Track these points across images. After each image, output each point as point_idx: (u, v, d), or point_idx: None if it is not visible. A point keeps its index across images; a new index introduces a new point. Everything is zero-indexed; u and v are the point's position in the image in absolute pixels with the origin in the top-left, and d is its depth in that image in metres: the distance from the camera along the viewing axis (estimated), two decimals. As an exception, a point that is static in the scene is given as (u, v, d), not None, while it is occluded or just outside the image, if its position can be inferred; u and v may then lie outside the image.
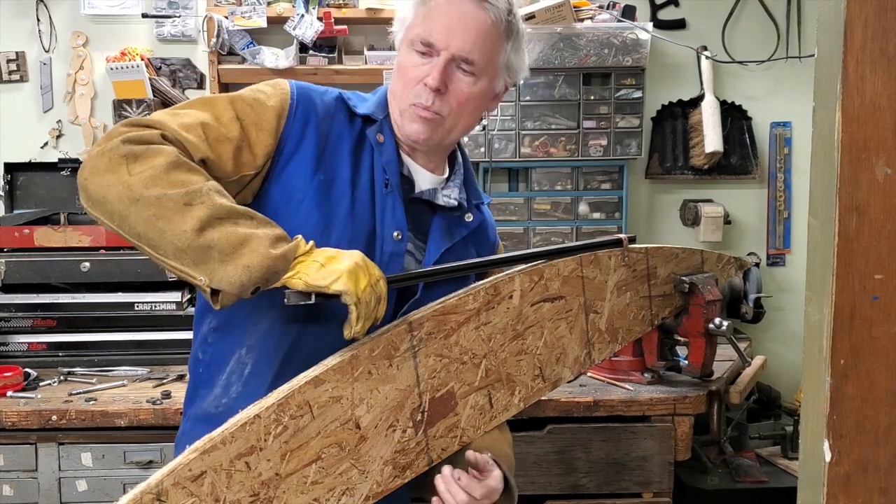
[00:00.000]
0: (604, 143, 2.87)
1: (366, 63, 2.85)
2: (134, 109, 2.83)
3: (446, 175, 1.44)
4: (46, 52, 2.90)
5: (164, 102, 2.85)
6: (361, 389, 1.17)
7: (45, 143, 2.92)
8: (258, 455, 1.07)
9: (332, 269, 1.13)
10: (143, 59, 2.81)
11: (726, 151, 2.98)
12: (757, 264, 2.79)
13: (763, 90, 3.05)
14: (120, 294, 2.47)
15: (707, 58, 2.97)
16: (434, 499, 1.27)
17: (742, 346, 2.20)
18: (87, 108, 2.90)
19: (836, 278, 0.82)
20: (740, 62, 3.01)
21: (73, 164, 2.79)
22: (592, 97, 2.87)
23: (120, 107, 2.83)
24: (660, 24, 2.99)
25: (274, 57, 2.80)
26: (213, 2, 2.85)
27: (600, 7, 2.84)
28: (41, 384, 2.29)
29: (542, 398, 1.60)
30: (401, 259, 1.33)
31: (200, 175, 1.15)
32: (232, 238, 1.10)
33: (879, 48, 0.80)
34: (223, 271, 1.09)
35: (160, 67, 2.91)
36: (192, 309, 1.45)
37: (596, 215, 2.94)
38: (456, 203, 1.41)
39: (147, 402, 2.13)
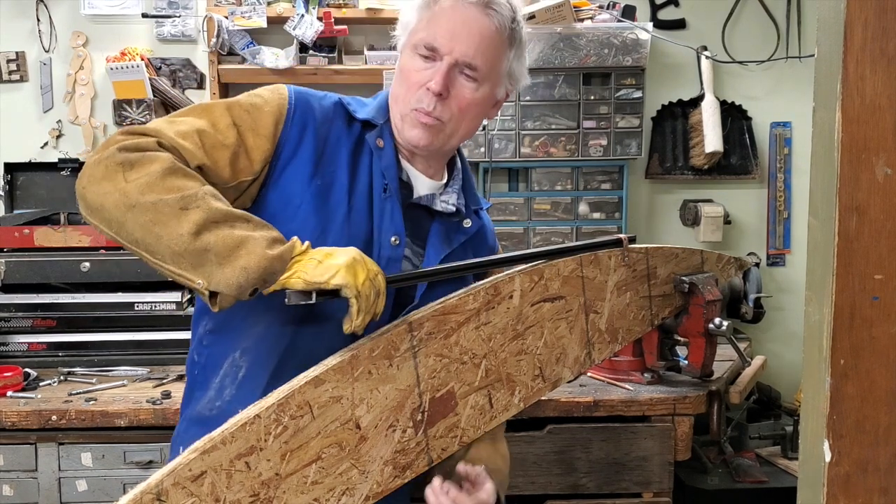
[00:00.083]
0: (604, 143, 2.87)
1: (366, 63, 2.85)
2: (134, 109, 2.83)
3: (445, 180, 1.44)
4: (46, 52, 2.90)
5: (164, 102, 2.86)
6: (361, 389, 1.17)
7: (45, 143, 2.92)
8: (258, 455, 1.07)
9: (329, 264, 1.14)
10: (143, 59, 2.81)
11: (726, 151, 2.98)
12: (757, 264, 2.79)
13: (763, 90, 3.05)
14: (120, 294, 2.47)
15: (707, 58, 2.97)
16: None
17: (742, 346, 2.20)
18: (87, 108, 2.90)
19: (836, 278, 0.82)
20: (740, 62, 3.01)
21: (72, 164, 2.79)
22: (592, 97, 2.87)
23: (120, 107, 2.83)
24: (660, 24, 2.99)
25: (274, 57, 2.80)
26: (213, 2, 2.85)
27: (600, 7, 2.84)
28: (41, 384, 2.29)
29: (542, 398, 1.60)
30: (398, 264, 1.33)
31: (196, 180, 1.16)
32: (228, 240, 1.11)
33: (879, 48, 0.80)
34: (221, 273, 1.10)
35: (160, 67, 2.91)
36: (192, 309, 1.45)
37: (596, 215, 2.94)
38: (454, 209, 1.41)
39: (147, 402, 2.13)
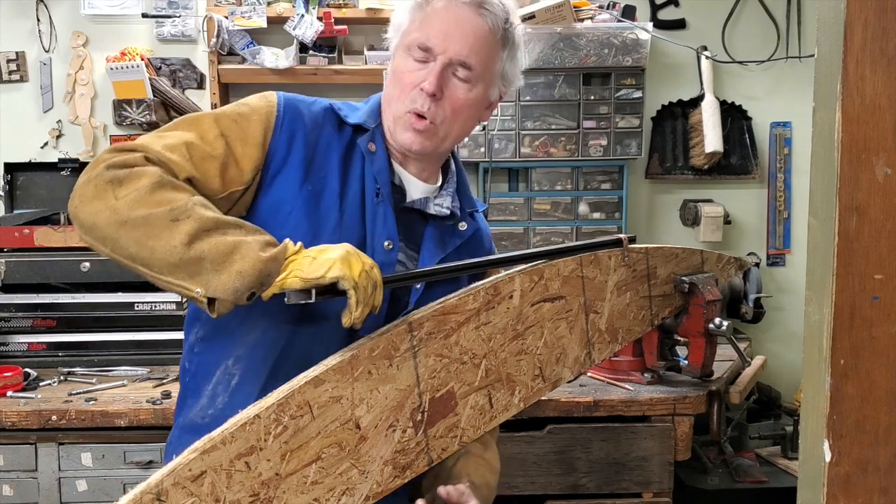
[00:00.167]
0: (604, 143, 2.87)
1: (366, 63, 2.85)
2: (134, 109, 2.83)
3: (439, 184, 1.43)
4: (46, 52, 2.90)
5: (164, 102, 2.86)
6: (361, 389, 1.17)
7: (45, 143, 2.92)
8: (258, 455, 1.07)
9: (324, 259, 1.14)
10: (143, 59, 2.81)
11: (726, 151, 2.98)
12: (757, 264, 2.79)
13: (763, 90, 3.05)
14: (120, 294, 2.47)
15: (707, 58, 2.97)
16: None
17: (742, 346, 2.20)
18: (87, 108, 2.90)
19: (836, 278, 0.82)
20: (740, 62, 3.01)
21: (72, 164, 2.79)
22: (592, 97, 2.87)
23: (120, 107, 2.84)
24: (660, 24, 2.99)
25: (274, 57, 2.80)
26: (213, 2, 2.85)
27: (600, 7, 2.84)
28: (41, 384, 2.29)
29: (542, 398, 1.60)
30: (392, 269, 1.32)
31: (185, 192, 1.17)
32: (222, 247, 1.11)
33: (879, 48, 0.80)
34: (217, 280, 1.10)
35: (160, 67, 2.91)
36: (192, 310, 1.45)
37: (596, 215, 2.94)
38: (448, 212, 1.40)
39: (147, 402, 2.13)
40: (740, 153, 3.05)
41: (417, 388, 1.24)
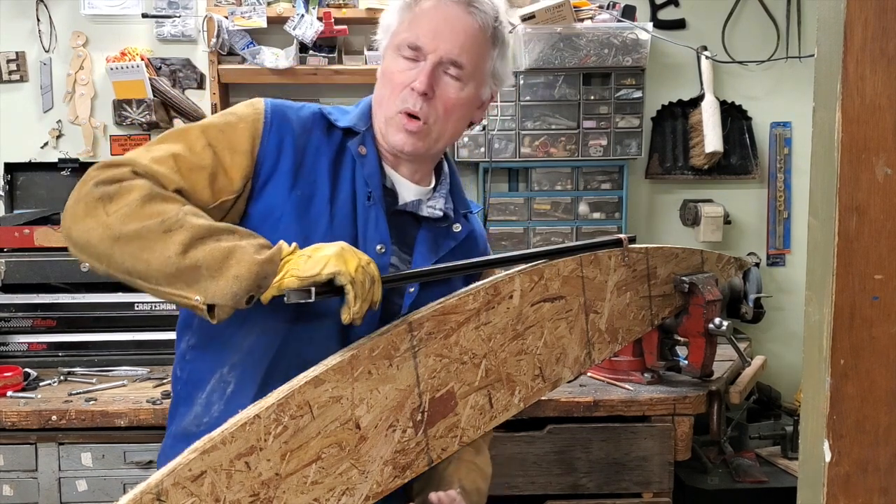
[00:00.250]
0: (604, 143, 2.87)
1: (366, 63, 2.85)
2: (134, 109, 2.83)
3: (432, 185, 1.42)
4: (46, 52, 2.90)
5: (164, 102, 2.86)
6: (361, 389, 1.17)
7: (45, 143, 2.92)
8: (258, 455, 1.07)
9: (319, 256, 1.15)
10: (143, 59, 2.81)
11: (726, 151, 2.98)
12: (757, 264, 2.79)
13: (763, 90, 3.05)
14: (120, 294, 2.47)
15: (707, 58, 2.97)
16: None
17: (742, 346, 2.20)
18: (87, 108, 2.90)
19: (836, 278, 0.82)
20: (740, 62, 3.01)
21: (72, 164, 2.80)
22: (592, 97, 2.87)
23: (120, 107, 2.84)
24: (660, 24, 2.99)
25: (274, 57, 2.80)
26: (213, 2, 2.85)
27: (600, 7, 2.84)
28: (41, 384, 2.29)
29: (542, 398, 1.60)
30: (385, 272, 1.30)
31: (175, 202, 1.17)
32: (216, 253, 1.12)
33: (879, 48, 0.80)
34: (215, 286, 1.11)
35: (160, 67, 2.91)
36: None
37: (596, 215, 2.94)
38: (441, 214, 1.38)
39: (147, 402, 2.13)
40: (740, 153, 3.05)
41: (417, 388, 1.24)
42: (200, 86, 2.94)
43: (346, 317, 1.15)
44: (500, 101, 2.84)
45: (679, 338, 2.11)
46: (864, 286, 0.82)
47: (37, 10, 2.88)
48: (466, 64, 1.30)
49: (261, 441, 1.07)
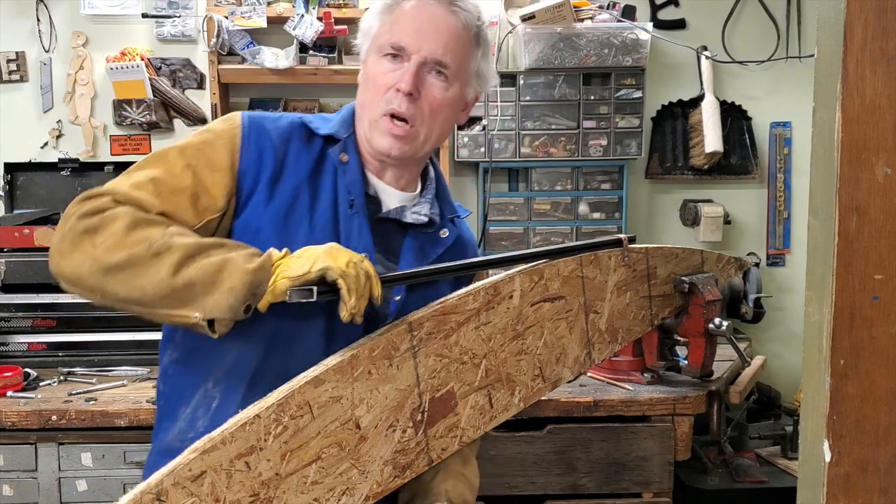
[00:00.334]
0: (604, 143, 2.87)
1: (366, 63, 2.84)
2: (134, 109, 2.83)
3: (418, 191, 1.40)
4: (46, 52, 2.90)
5: (164, 102, 2.86)
6: (361, 389, 1.17)
7: (45, 143, 2.92)
8: (258, 455, 1.07)
9: (308, 256, 1.15)
10: (143, 59, 2.81)
11: (726, 151, 2.98)
12: (757, 264, 2.80)
13: (763, 90, 3.05)
14: (120, 294, 2.47)
15: (707, 58, 2.97)
16: None
17: (742, 346, 2.20)
18: (87, 108, 2.90)
19: (836, 278, 0.82)
20: (740, 62, 3.01)
21: (73, 164, 2.80)
22: (592, 97, 2.87)
23: (120, 107, 2.84)
24: (660, 24, 2.99)
25: (274, 57, 2.80)
26: (213, 2, 2.85)
27: (600, 7, 2.84)
28: (41, 384, 2.29)
29: (542, 398, 1.60)
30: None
31: (160, 225, 1.17)
32: (208, 268, 1.12)
33: (879, 48, 0.80)
34: (211, 301, 1.12)
35: (160, 67, 2.91)
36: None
37: (596, 215, 2.94)
38: (426, 219, 1.36)
39: (147, 401, 2.13)
40: (740, 153, 3.05)
41: (417, 388, 1.24)
42: (200, 86, 2.94)
43: (344, 314, 1.14)
44: (500, 102, 2.84)
45: (679, 338, 2.11)
46: (864, 286, 0.82)
47: (37, 10, 2.88)
48: (451, 64, 1.28)
49: (261, 441, 1.07)
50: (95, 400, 2.15)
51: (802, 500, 0.92)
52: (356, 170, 1.32)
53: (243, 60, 2.82)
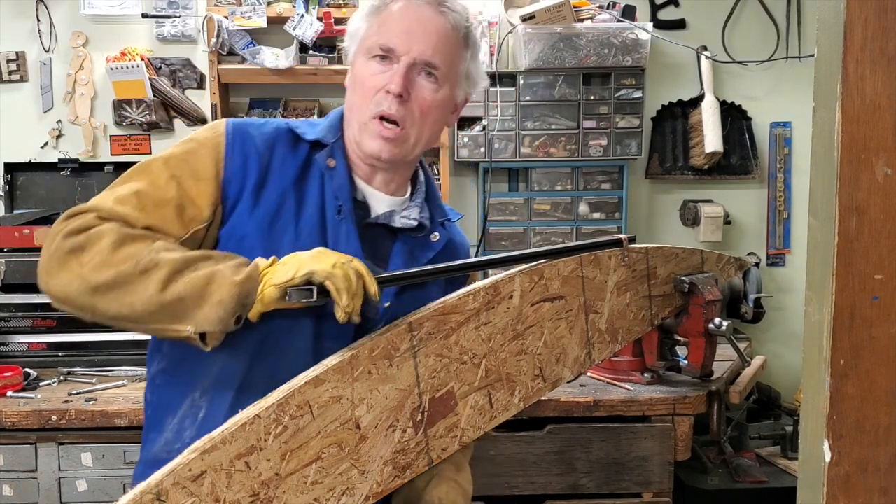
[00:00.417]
0: (604, 143, 2.87)
1: (366, 63, 2.84)
2: (134, 109, 2.83)
3: (407, 195, 1.38)
4: (46, 52, 2.90)
5: (164, 102, 2.86)
6: (361, 389, 1.17)
7: (45, 143, 2.92)
8: (258, 455, 1.07)
9: (293, 262, 1.15)
10: (143, 59, 2.81)
11: (726, 151, 2.98)
12: (757, 264, 2.80)
13: (763, 90, 3.05)
14: (120, 294, 2.47)
15: (707, 58, 2.97)
16: None
17: (742, 346, 2.20)
18: (87, 108, 2.90)
19: (836, 278, 0.82)
20: (740, 62, 3.01)
21: (73, 164, 2.80)
22: (592, 97, 2.87)
23: (120, 107, 2.84)
24: (660, 24, 2.99)
25: (274, 57, 2.80)
26: (213, 2, 2.85)
27: (600, 7, 2.84)
28: (41, 384, 2.29)
29: (542, 398, 1.60)
30: None
31: (146, 241, 1.17)
32: (196, 282, 1.13)
33: (879, 48, 0.80)
34: (201, 314, 1.12)
35: (160, 67, 2.91)
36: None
37: (596, 215, 2.94)
38: (416, 223, 1.35)
39: (147, 402, 2.12)
40: (740, 153, 3.05)
41: (417, 388, 1.24)
42: (200, 86, 2.94)
43: (339, 314, 1.14)
44: (500, 102, 2.84)
45: (679, 338, 2.11)
46: (864, 286, 0.82)
47: (37, 10, 2.88)
48: (441, 65, 1.27)
49: (261, 441, 1.07)
50: (95, 400, 2.15)
51: (802, 500, 0.92)
52: (344, 175, 1.30)
53: (243, 60, 2.82)
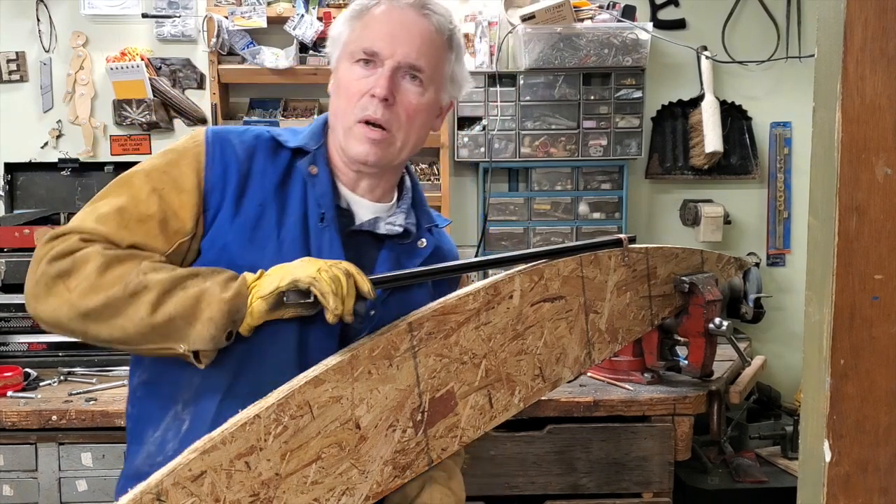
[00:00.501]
0: (604, 143, 2.88)
1: (366, 63, 2.85)
2: (134, 109, 2.83)
3: (394, 202, 1.37)
4: (46, 52, 2.90)
5: (164, 102, 2.86)
6: (361, 389, 1.17)
7: (45, 143, 2.92)
8: (258, 455, 1.07)
9: (278, 272, 1.15)
10: (143, 59, 2.82)
11: (726, 151, 2.98)
12: (757, 264, 2.80)
13: (763, 90, 3.05)
14: (120, 294, 2.47)
15: (707, 58, 2.97)
16: None
17: (742, 346, 2.20)
18: (87, 108, 2.90)
19: (836, 278, 0.82)
20: (740, 62, 3.01)
21: (73, 164, 2.80)
22: (592, 97, 2.87)
23: (120, 107, 2.84)
24: (660, 24, 2.99)
25: (274, 57, 2.80)
26: (213, 2, 2.85)
27: (600, 7, 2.84)
28: (41, 384, 2.29)
29: (542, 398, 1.60)
30: None
31: (132, 261, 1.16)
32: (186, 302, 1.13)
33: (879, 48, 0.80)
34: (193, 333, 1.12)
35: (160, 67, 2.91)
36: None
37: (596, 215, 2.94)
38: (401, 229, 1.33)
39: (147, 402, 2.12)
40: (740, 153, 3.05)
41: (417, 388, 1.24)
42: (200, 86, 2.94)
43: (328, 316, 1.14)
44: (500, 102, 2.84)
45: (679, 338, 2.11)
46: (864, 286, 0.82)
47: (37, 10, 2.88)
48: (425, 67, 1.26)
49: (261, 441, 1.07)
50: (95, 400, 2.15)
51: (802, 500, 0.92)
52: (326, 182, 1.29)
53: (243, 60, 2.82)
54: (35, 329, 2.47)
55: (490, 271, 1.81)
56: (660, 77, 3.01)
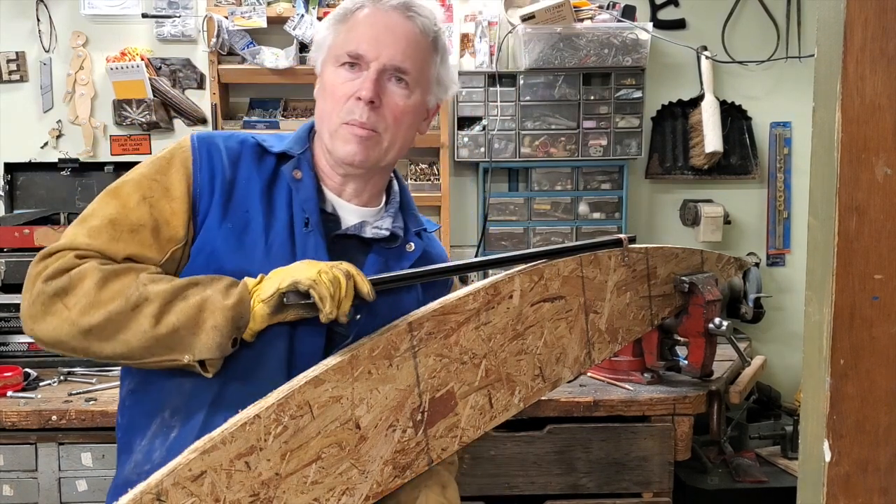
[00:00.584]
0: (604, 143, 2.88)
1: (366, 63, 2.85)
2: (134, 109, 2.83)
3: (381, 206, 1.37)
4: (46, 52, 2.90)
5: (164, 102, 2.86)
6: (361, 389, 1.17)
7: (45, 143, 2.92)
8: (258, 455, 1.07)
9: (278, 275, 1.15)
10: (143, 59, 2.82)
11: (726, 151, 2.98)
12: (757, 264, 2.80)
13: (763, 90, 3.05)
14: (120, 294, 2.47)
15: (707, 58, 2.97)
16: None
17: (742, 346, 2.20)
18: (87, 108, 2.90)
19: (836, 278, 0.82)
20: (740, 62, 3.01)
21: (72, 164, 2.80)
22: (592, 97, 2.87)
23: (120, 107, 2.84)
24: (660, 24, 2.99)
25: (274, 57, 2.80)
26: (213, 2, 2.85)
27: (600, 7, 2.84)
28: (41, 384, 2.29)
29: (542, 398, 1.59)
30: None
31: (129, 275, 1.15)
32: (189, 311, 1.12)
33: (879, 48, 0.80)
34: (199, 342, 1.12)
35: (160, 67, 2.91)
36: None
37: (596, 215, 2.94)
38: (387, 233, 1.33)
39: (147, 402, 2.12)
40: (740, 153, 3.05)
41: (417, 388, 1.24)
42: (200, 86, 2.94)
43: (322, 318, 1.14)
44: (500, 102, 2.84)
45: (679, 338, 2.11)
46: (864, 286, 0.82)
47: (37, 10, 2.88)
48: (411, 70, 1.26)
49: (261, 441, 1.07)
50: (95, 400, 2.15)
51: (802, 500, 0.92)
52: (311, 187, 1.28)
53: (243, 60, 2.82)
54: (35, 329, 2.47)
55: (490, 271, 1.81)
56: (660, 77, 3.01)
